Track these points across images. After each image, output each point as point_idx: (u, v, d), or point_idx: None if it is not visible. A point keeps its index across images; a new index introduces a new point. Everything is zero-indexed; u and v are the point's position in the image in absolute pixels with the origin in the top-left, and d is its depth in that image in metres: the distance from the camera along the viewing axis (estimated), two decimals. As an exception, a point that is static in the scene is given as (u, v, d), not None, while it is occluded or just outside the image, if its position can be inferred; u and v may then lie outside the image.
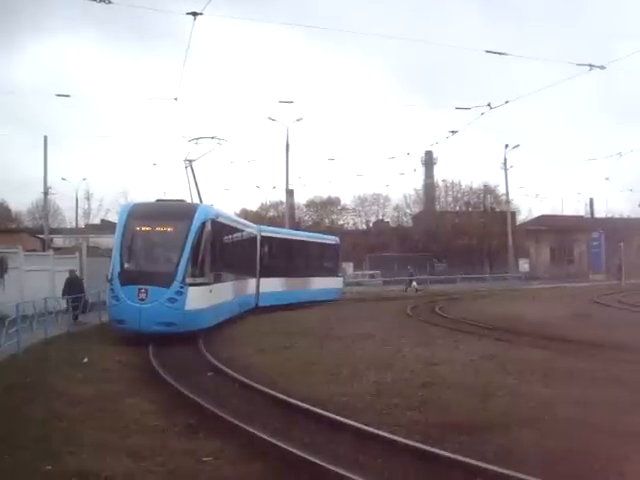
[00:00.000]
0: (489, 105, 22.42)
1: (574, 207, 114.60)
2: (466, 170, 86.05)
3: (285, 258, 27.90)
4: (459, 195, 65.14)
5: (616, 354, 12.06)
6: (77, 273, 22.14)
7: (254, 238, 24.19)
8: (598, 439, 6.50)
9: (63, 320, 17.22)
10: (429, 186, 66.35)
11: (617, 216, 68.56)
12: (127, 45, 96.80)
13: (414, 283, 42.70)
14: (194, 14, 16.21)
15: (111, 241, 18.52)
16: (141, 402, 8.98)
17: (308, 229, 52.41)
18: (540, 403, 8.17)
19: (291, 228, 40.39)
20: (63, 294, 18.84)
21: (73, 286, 19.38)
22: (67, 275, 20.14)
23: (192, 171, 20.30)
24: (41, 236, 39.40)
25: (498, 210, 61.06)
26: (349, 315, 22.61)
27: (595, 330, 16.36)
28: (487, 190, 63.71)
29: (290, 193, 51.14)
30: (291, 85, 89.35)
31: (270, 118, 40.85)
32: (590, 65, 17.88)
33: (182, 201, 18.17)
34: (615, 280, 45.97)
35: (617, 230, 52.69)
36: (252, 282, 23.25)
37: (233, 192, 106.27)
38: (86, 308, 19.08)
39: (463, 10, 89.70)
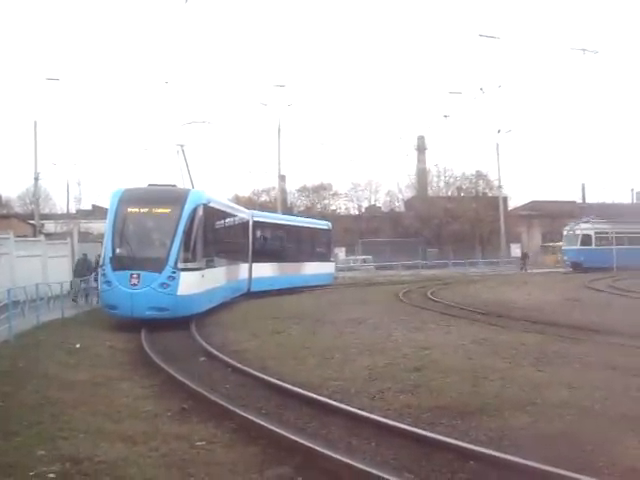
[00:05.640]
0: (481, 89, 22.46)
1: (567, 192, 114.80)
2: (458, 155, 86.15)
3: (277, 243, 27.88)
4: (451, 180, 65.12)
5: (607, 338, 12.15)
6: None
7: (246, 223, 24.13)
8: (590, 422, 6.56)
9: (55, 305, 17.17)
10: (421, 171, 66.26)
11: (609, 202, 68.74)
12: (116, 28, 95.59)
13: None
14: (185, -4, 16.09)
15: (103, 226, 18.42)
16: (134, 387, 8.99)
17: (300, 214, 52.27)
18: (532, 387, 8.21)
19: (283, 213, 40.32)
20: None
21: None
22: None
23: (184, 156, 20.24)
24: (32, 222, 39.19)
25: (490, 195, 61.08)
26: (341, 300, 22.65)
27: (586, 314, 16.47)
28: (479, 175, 63.73)
29: (282, 178, 50.98)
30: (283, 69, 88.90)
31: (262, 103, 40.71)
32: (583, 49, 17.93)
33: (174, 186, 18.08)
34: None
35: (609, 216, 52.78)
36: (244, 267, 23.22)
37: (225, 177, 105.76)
38: None
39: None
